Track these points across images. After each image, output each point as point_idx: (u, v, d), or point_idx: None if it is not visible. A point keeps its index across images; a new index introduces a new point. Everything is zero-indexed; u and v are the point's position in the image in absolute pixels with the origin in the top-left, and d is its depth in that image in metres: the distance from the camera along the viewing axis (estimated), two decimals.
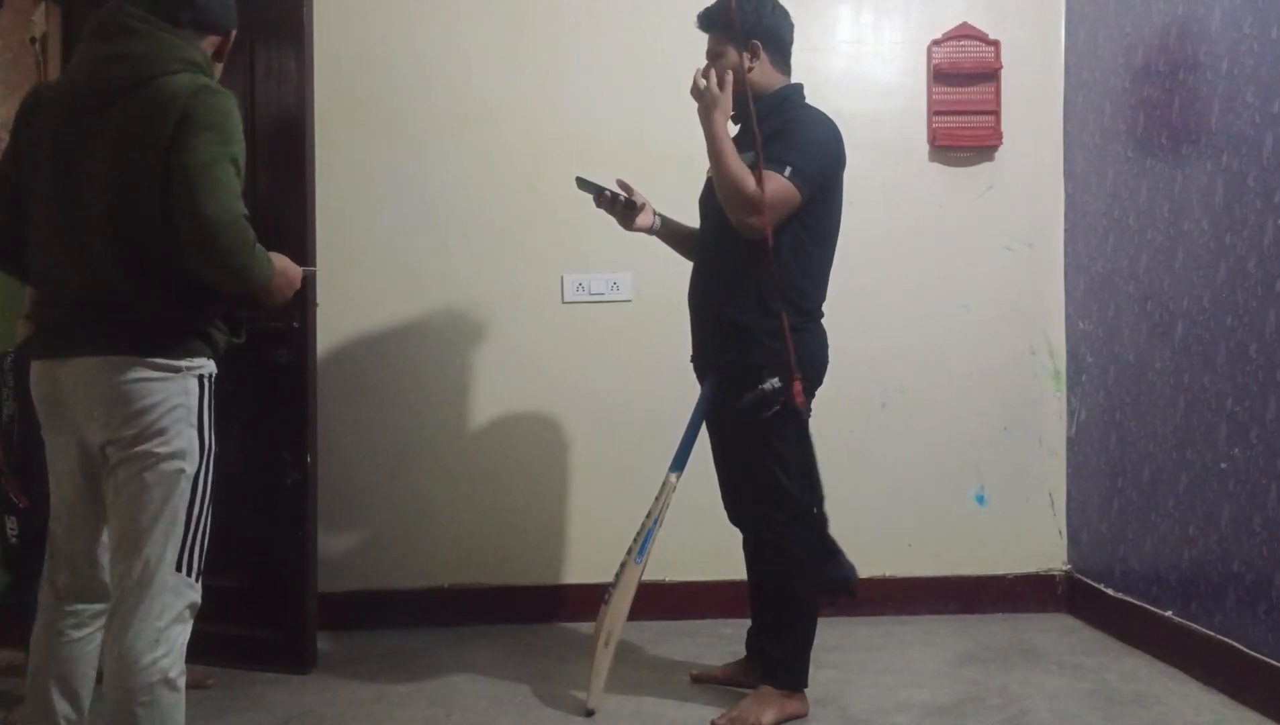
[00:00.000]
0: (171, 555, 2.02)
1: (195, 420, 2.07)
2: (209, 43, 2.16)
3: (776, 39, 2.84)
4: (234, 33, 2.23)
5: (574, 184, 2.99)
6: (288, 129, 3.24)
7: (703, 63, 2.84)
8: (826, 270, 2.85)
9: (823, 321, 2.85)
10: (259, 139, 3.31)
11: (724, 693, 2.96)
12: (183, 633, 2.04)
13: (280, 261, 2.16)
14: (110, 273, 2.01)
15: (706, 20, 2.86)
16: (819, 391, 2.86)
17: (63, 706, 2.12)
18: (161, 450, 2.02)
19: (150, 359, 2.02)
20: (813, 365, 2.81)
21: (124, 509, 2.03)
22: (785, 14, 2.87)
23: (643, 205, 2.98)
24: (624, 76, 3.79)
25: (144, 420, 2.02)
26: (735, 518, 2.95)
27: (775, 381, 2.68)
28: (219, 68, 2.19)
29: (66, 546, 2.14)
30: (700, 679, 3.08)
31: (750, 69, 2.79)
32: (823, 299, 2.85)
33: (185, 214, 1.95)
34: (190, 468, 2.06)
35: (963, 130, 3.81)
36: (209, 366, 2.11)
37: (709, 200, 2.85)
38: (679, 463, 2.90)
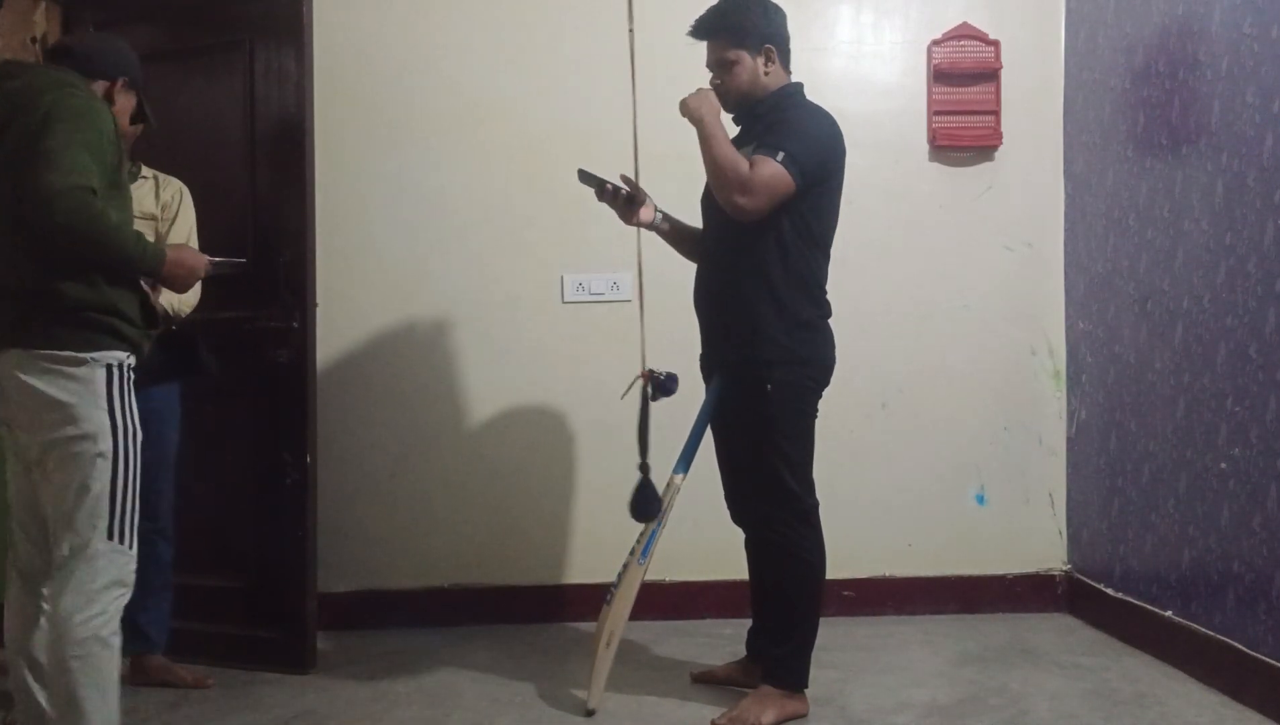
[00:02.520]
0: (102, 527, 2.18)
1: (105, 404, 2.19)
2: (97, 86, 2.37)
3: (784, 40, 2.87)
4: (121, 80, 2.43)
5: (574, 177, 2.99)
6: (287, 129, 3.24)
7: (695, 75, 2.83)
8: (824, 272, 2.85)
9: (829, 321, 2.86)
10: (259, 139, 3.31)
11: (724, 693, 2.96)
12: (117, 596, 2.21)
13: (177, 251, 2.35)
14: (28, 274, 2.18)
15: (709, 29, 2.83)
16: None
17: (40, 691, 2.27)
18: (73, 433, 2.17)
19: (58, 352, 2.16)
20: (820, 365, 2.82)
21: (53, 493, 2.20)
22: (784, 13, 2.89)
23: (644, 200, 2.97)
24: (624, 76, 3.78)
25: (54, 408, 2.17)
26: (738, 517, 2.95)
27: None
28: (122, 110, 2.43)
29: (22, 534, 2.31)
30: (700, 679, 3.08)
31: (768, 73, 2.81)
32: (824, 296, 2.85)
33: (27, 187, 2.09)
34: (105, 447, 2.19)
35: (963, 130, 3.81)
36: (118, 356, 2.23)
37: (710, 199, 2.85)
38: (684, 464, 2.89)
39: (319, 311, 3.30)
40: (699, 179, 2.97)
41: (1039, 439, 3.85)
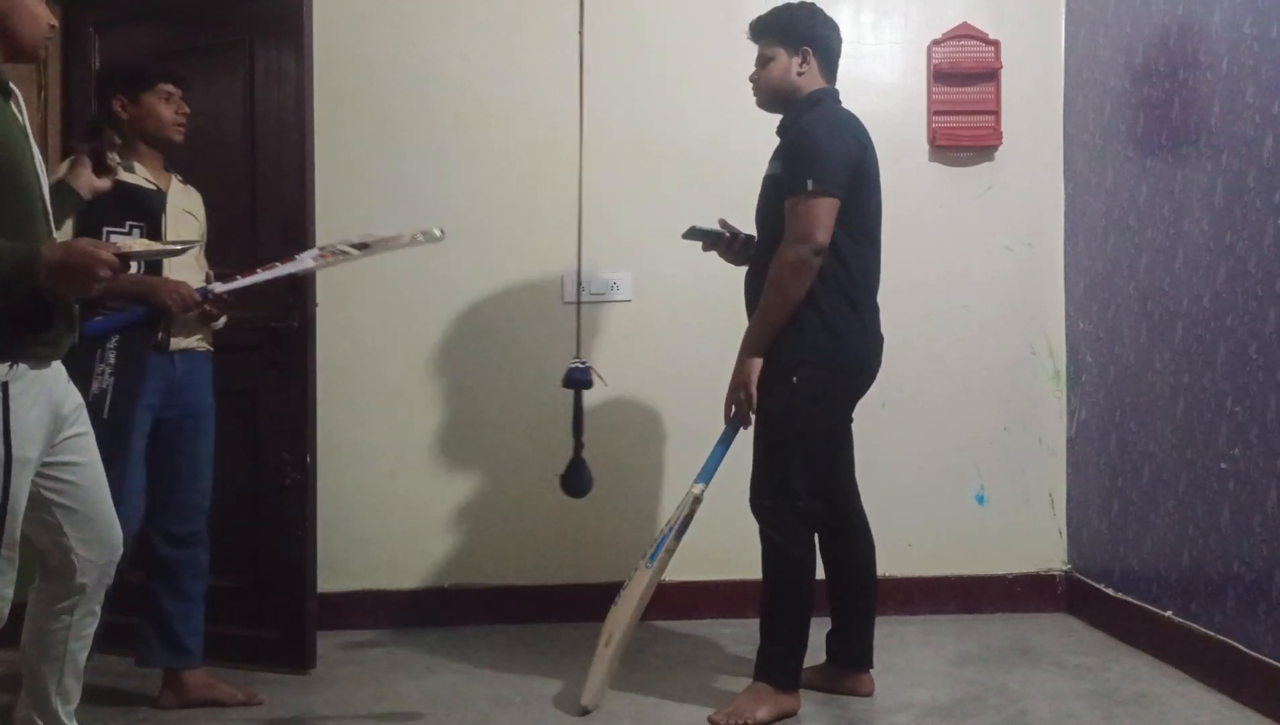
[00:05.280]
0: None
1: None
2: None
3: (826, 48, 2.91)
4: None
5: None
6: (288, 129, 3.24)
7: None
8: (870, 267, 2.85)
9: (865, 317, 2.84)
10: (259, 139, 3.31)
11: (724, 693, 2.95)
12: None
13: (57, 251, 2.03)
14: None
15: (757, 28, 2.93)
16: None
17: None
18: None
19: None
20: (851, 369, 2.83)
21: None
22: (835, 26, 2.95)
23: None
24: (624, 77, 3.78)
25: None
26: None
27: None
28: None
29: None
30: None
31: (801, 73, 2.86)
32: (869, 295, 2.85)
33: None
34: None
35: (963, 130, 3.81)
36: None
37: (761, 209, 2.89)
38: (706, 474, 2.85)
39: (319, 311, 3.30)
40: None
41: (1039, 439, 3.85)
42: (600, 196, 3.74)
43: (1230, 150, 2.91)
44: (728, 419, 2.84)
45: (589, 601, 3.41)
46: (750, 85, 2.95)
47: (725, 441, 2.87)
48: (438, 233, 2.85)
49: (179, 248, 2.50)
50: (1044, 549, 3.84)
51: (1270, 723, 2.69)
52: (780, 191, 2.78)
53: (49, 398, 2.15)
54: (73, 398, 2.25)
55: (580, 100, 2.89)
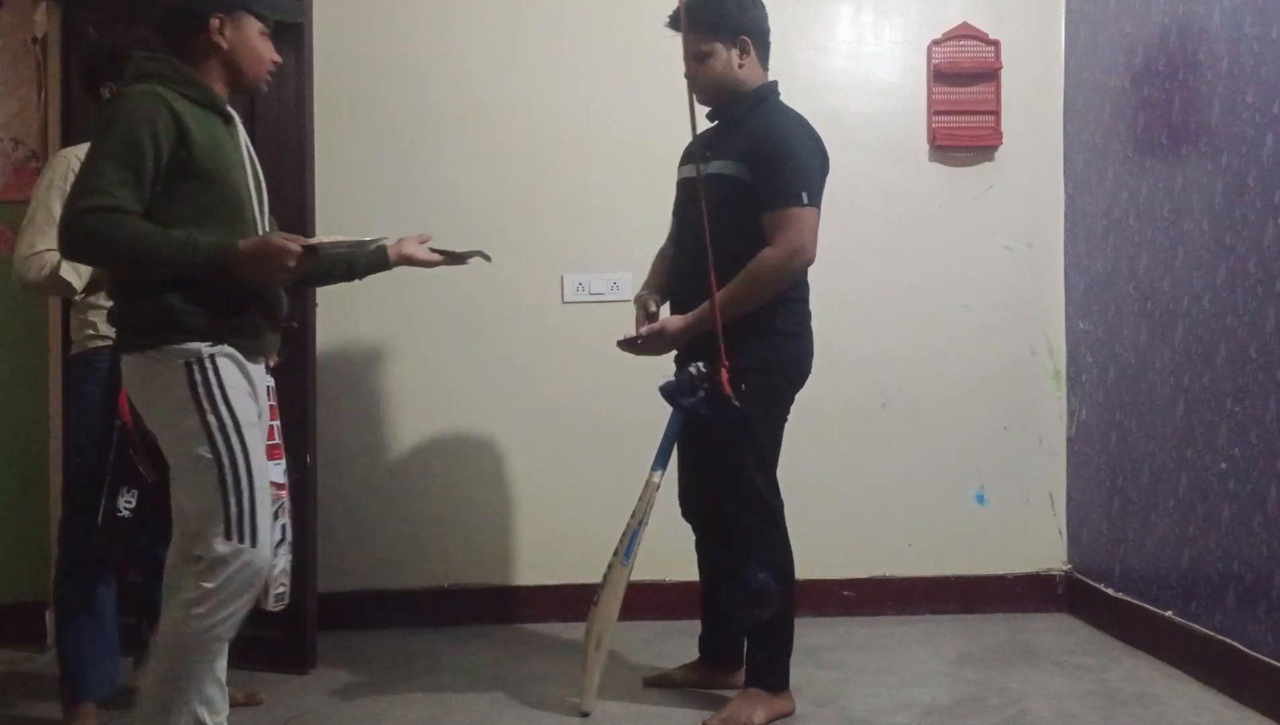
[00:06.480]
0: (214, 529, 2.11)
1: (193, 406, 2.12)
2: (183, 41, 2.23)
3: (762, 33, 2.82)
4: (215, 19, 2.21)
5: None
6: (288, 129, 3.24)
7: None
8: (804, 282, 2.84)
9: (809, 323, 2.85)
10: (259, 139, 3.30)
11: (720, 695, 2.95)
12: (231, 596, 2.13)
13: (253, 242, 2.17)
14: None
15: (689, 20, 2.76)
16: (810, 393, 2.87)
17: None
18: (168, 438, 2.17)
19: (137, 354, 2.16)
20: (794, 373, 2.82)
21: (175, 492, 2.23)
22: (763, 6, 2.84)
23: (651, 329, 2.88)
24: (624, 76, 3.79)
25: (149, 413, 2.20)
26: (690, 512, 2.96)
27: (700, 365, 2.70)
28: (219, 49, 2.24)
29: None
30: (653, 683, 3.05)
31: (742, 65, 2.78)
32: (808, 301, 2.85)
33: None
34: (201, 449, 2.11)
35: (963, 130, 3.81)
36: (197, 349, 2.14)
37: (687, 207, 2.85)
38: (661, 461, 2.88)
39: (319, 311, 3.30)
40: None
41: (1039, 439, 3.85)
42: (600, 196, 3.75)
43: (1230, 150, 2.91)
44: (631, 344, 2.85)
45: (589, 601, 3.41)
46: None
47: (674, 426, 2.86)
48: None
49: (368, 240, 2.51)
50: (1044, 549, 3.84)
51: (1270, 723, 2.69)
52: (739, 193, 2.72)
53: (252, 390, 2.24)
54: (265, 405, 2.35)
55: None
